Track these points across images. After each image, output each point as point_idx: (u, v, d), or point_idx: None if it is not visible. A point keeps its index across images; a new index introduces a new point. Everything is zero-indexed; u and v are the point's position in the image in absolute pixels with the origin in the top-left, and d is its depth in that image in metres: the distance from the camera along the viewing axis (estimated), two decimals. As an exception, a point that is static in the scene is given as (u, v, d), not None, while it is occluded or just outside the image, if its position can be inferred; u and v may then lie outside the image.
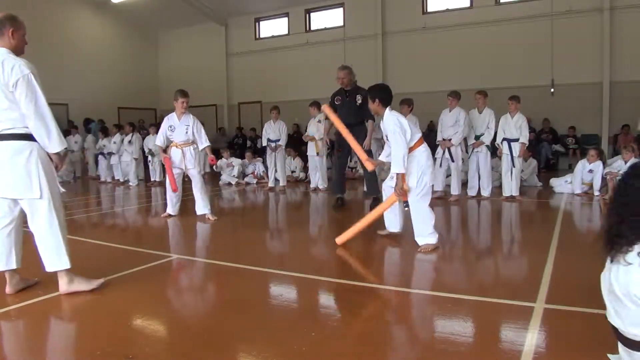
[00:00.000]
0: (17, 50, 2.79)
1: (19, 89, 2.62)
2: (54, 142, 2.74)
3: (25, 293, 2.92)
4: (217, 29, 15.61)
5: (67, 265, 2.82)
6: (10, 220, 2.82)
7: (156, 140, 5.86)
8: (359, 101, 6.01)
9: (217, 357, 2.11)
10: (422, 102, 9.54)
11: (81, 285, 2.90)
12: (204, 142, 5.61)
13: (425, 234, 3.90)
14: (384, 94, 4.02)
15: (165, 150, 5.69)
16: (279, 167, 8.78)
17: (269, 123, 8.82)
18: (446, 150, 6.99)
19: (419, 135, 3.97)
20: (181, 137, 5.56)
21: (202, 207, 5.63)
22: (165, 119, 5.71)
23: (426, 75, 12.17)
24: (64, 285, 2.86)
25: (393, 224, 4.36)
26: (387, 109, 3.97)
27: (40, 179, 2.73)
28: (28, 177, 2.71)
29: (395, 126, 3.81)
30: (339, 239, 4.13)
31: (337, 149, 6.39)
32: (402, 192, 3.85)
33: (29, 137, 2.71)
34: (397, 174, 3.81)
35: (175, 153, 5.61)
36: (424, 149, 3.97)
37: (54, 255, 2.79)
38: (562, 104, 11.00)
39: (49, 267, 2.81)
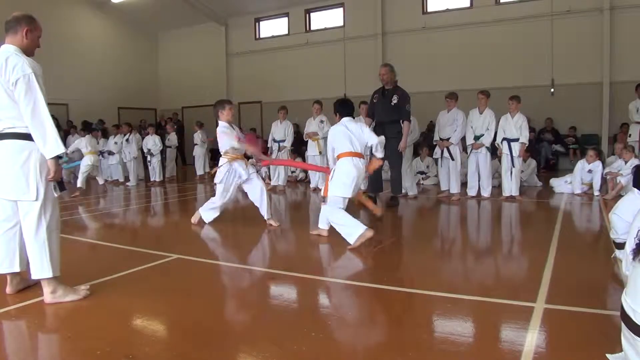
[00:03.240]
0: (28, 51, 2.75)
1: (18, 88, 2.58)
2: (50, 146, 2.63)
3: (25, 293, 2.92)
4: (217, 29, 15.59)
5: (49, 274, 2.69)
6: (15, 223, 2.78)
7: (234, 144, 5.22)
8: (395, 101, 6.07)
9: (217, 357, 2.11)
10: (421, 102, 9.54)
11: (66, 295, 2.77)
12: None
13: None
14: (341, 108, 4.53)
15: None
16: (280, 167, 8.77)
17: (276, 123, 8.78)
18: (445, 150, 7.01)
19: (345, 149, 4.34)
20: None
21: (265, 211, 5.19)
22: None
23: (426, 75, 12.14)
24: (47, 295, 2.74)
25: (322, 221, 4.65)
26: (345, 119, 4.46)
27: (38, 181, 2.67)
28: (25, 179, 2.65)
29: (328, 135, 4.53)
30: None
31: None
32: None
33: (29, 137, 2.65)
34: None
35: (240, 164, 5.13)
36: (348, 161, 4.30)
37: (38, 262, 2.67)
38: (562, 104, 10.98)
39: (33, 275, 2.72)
